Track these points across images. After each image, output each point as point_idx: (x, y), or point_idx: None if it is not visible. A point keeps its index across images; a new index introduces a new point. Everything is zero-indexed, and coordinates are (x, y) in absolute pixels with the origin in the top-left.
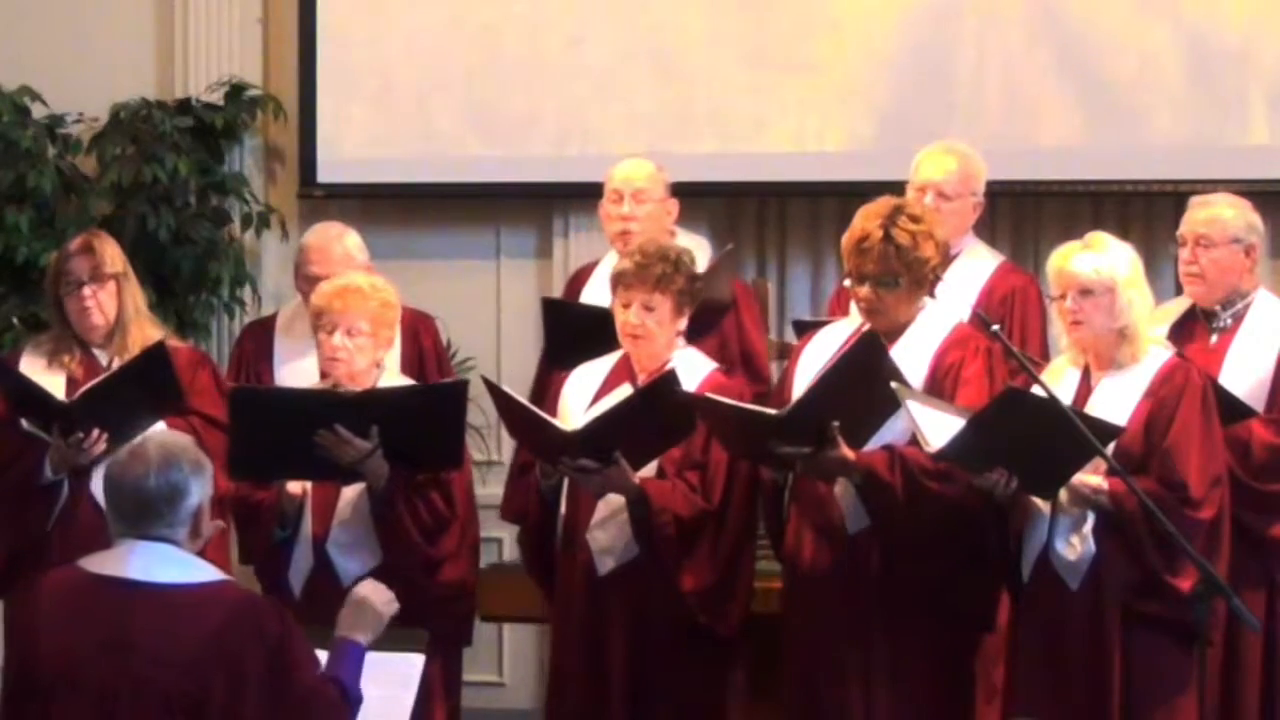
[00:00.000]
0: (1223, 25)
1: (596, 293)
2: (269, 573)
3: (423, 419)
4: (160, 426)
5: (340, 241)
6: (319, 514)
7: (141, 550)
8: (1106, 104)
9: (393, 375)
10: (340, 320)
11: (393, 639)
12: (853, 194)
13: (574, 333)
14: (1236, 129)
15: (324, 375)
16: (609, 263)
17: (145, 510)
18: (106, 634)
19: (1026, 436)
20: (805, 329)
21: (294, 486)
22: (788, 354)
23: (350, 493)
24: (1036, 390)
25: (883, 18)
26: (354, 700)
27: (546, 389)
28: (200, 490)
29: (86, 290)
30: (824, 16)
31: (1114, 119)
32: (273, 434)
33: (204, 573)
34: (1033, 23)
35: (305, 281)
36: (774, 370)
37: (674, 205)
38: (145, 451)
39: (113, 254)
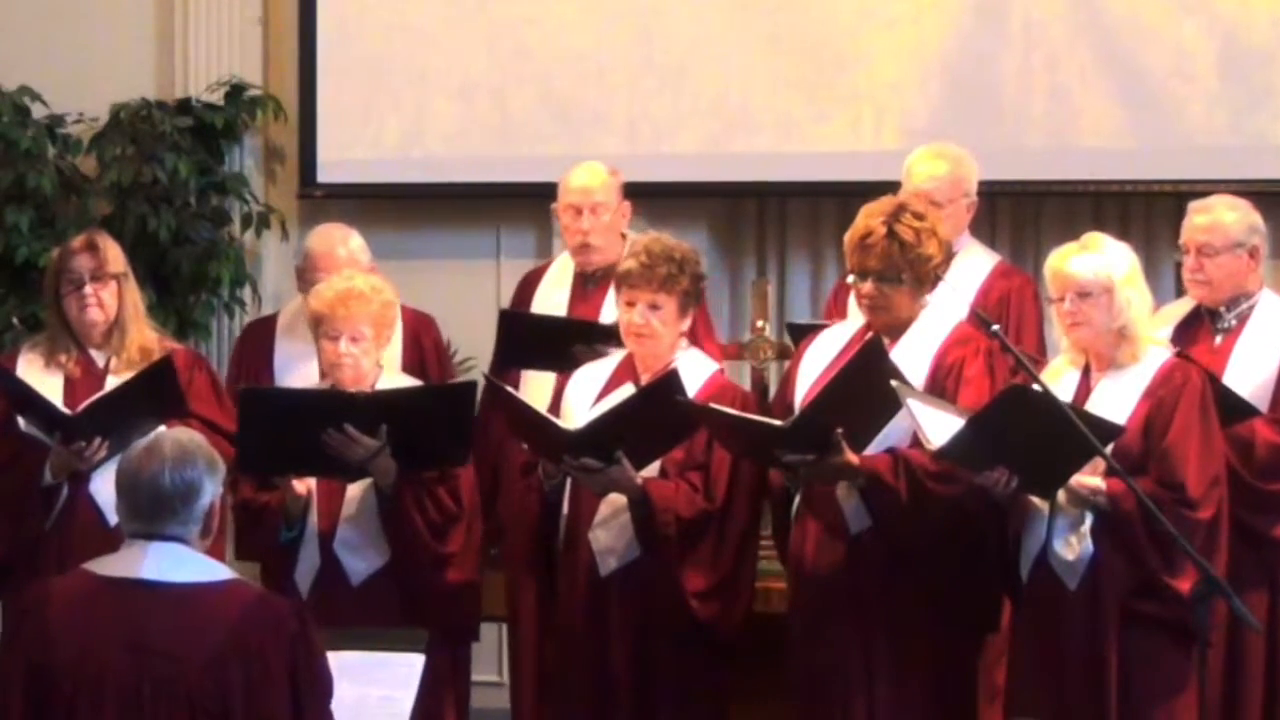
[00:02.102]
0: (1253, 24)
1: (548, 296)
2: (276, 573)
3: (432, 419)
4: (160, 429)
5: (345, 244)
6: (325, 513)
7: (154, 551)
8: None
9: (391, 373)
10: (344, 327)
11: (393, 639)
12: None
13: (528, 344)
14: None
15: (324, 376)
16: (560, 266)
17: (160, 507)
18: (126, 636)
19: (1027, 435)
20: (798, 332)
21: (299, 486)
22: (787, 355)
23: (356, 491)
24: (1037, 390)
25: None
26: None
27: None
28: (213, 489)
29: (88, 288)
30: (836, 20)
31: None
32: (281, 433)
33: (218, 572)
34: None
35: (309, 286)
36: (772, 371)
37: (627, 208)
38: (161, 448)
39: (115, 254)
